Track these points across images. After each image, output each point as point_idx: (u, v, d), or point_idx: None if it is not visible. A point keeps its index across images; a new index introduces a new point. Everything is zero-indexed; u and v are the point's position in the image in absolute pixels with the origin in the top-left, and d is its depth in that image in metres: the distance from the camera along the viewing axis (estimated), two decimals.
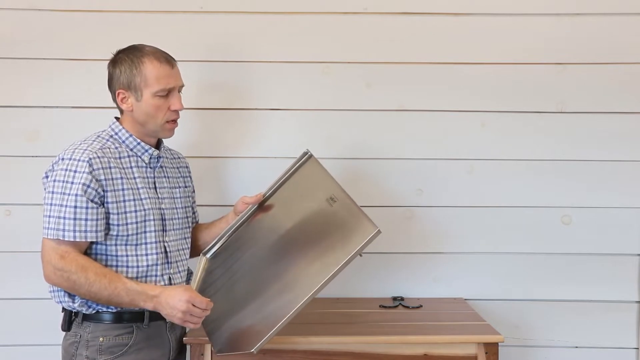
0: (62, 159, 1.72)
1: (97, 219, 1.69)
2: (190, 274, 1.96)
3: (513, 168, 2.34)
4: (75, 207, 1.67)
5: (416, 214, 2.35)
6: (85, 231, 1.68)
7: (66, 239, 1.67)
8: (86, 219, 1.68)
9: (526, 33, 2.31)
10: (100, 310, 1.73)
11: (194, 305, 1.66)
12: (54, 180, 1.70)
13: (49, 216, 1.69)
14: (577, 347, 2.38)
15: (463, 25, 2.31)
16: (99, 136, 1.81)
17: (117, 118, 1.86)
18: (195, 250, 2.01)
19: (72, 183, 1.68)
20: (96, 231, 1.69)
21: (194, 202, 2.05)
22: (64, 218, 1.67)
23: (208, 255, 1.98)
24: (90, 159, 1.70)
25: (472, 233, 2.35)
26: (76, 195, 1.67)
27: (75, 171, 1.69)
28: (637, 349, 2.37)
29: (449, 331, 1.96)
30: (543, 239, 2.35)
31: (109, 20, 2.27)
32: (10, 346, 2.31)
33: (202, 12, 2.30)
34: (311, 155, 1.99)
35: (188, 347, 1.89)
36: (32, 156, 2.26)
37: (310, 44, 2.31)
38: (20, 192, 2.27)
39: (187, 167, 2.03)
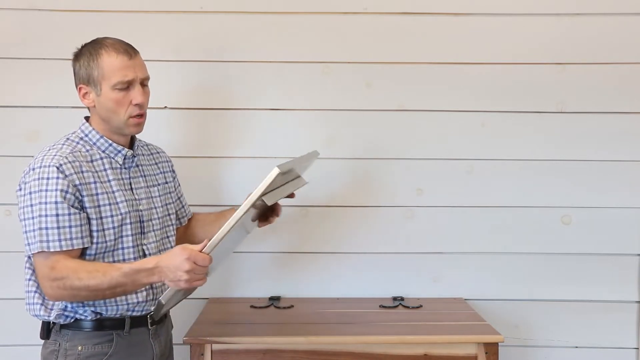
0: (33, 169, 1.63)
1: (81, 225, 1.61)
2: None
3: (513, 168, 2.34)
4: (57, 215, 1.58)
5: (416, 214, 2.35)
6: (71, 238, 1.59)
7: (52, 250, 1.57)
8: (70, 226, 1.59)
9: (526, 33, 2.31)
10: (78, 318, 1.67)
11: (195, 263, 1.52)
12: (30, 193, 1.61)
13: (32, 230, 1.59)
14: (577, 347, 2.38)
15: (463, 25, 2.31)
16: (68, 139, 1.72)
17: (87, 118, 1.78)
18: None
19: (47, 190, 1.59)
20: (82, 237, 1.61)
21: (181, 196, 1.99)
22: (46, 228, 1.58)
23: None
24: (60, 164, 1.61)
25: (472, 233, 2.35)
26: (55, 202, 1.58)
27: (48, 178, 1.60)
28: (637, 349, 2.37)
29: (449, 331, 1.96)
30: (543, 239, 2.35)
31: (109, 20, 2.26)
32: (10, 346, 2.31)
33: (202, 12, 2.30)
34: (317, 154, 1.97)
35: (188, 347, 1.89)
36: (32, 156, 2.24)
37: (310, 44, 2.31)
38: None
39: (167, 161, 1.95)
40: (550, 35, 2.32)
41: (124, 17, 2.27)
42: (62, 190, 1.59)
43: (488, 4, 2.31)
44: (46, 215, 1.59)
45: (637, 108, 2.33)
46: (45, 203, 1.59)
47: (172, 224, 1.89)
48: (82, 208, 1.63)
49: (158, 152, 1.94)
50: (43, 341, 1.73)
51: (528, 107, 2.33)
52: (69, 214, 1.60)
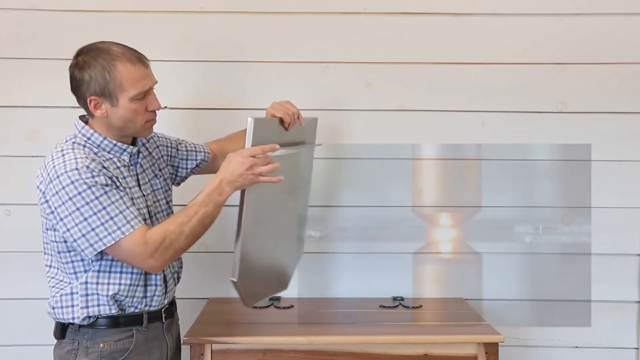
0: (57, 177, 1.57)
1: (133, 203, 1.64)
2: (180, 267, 1.89)
3: (513, 168, 2.34)
4: (113, 202, 1.58)
5: (416, 214, 2.35)
6: (136, 217, 1.60)
7: (127, 234, 1.57)
8: (127, 207, 1.59)
9: (526, 33, 2.31)
10: (98, 317, 1.67)
11: (252, 157, 1.66)
12: (70, 199, 1.56)
13: (94, 228, 1.56)
14: (577, 347, 2.38)
15: (463, 25, 2.31)
16: (74, 142, 1.67)
17: (82, 118, 1.72)
18: None
19: (90, 186, 1.56)
20: (140, 213, 1.65)
21: (188, 146, 2.00)
22: (111, 218, 1.57)
23: None
24: (87, 165, 1.58)
25: (472, 233, 2.35)
26: (105, 193, 1.57)
27: (83, 178, 1.56)
28: (637, 349, 2.37)
29: (449, 331, 1.96)
30: (543, 239, 2.35)
31: (109, 20, 2.27)
32: (10, 346, 2.31)
33: (202, 12, 2.30)
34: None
35: (188, 346, 1.89)
36: (32, 156, 2.26)
37: (310, 44, 2.31)
38: (20, 192, 2.26)
39: (158, 146, 1.90)
40: (550, 35, 2.32)
41: (124, 17, 2.27)
42: (104, 184, 1.58)
43: (488, 4, 2.31)
44: (104, 208, 1.57)
45: (637, 108, 2.33)
46: (97, 198, 1.57)
47: (172, 211, 1.87)
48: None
49: (147, 140, 1.88)
50: (56, 341, 1.72)
51: (528, 107, 2.33)
52: (121, 197, 1.60)
